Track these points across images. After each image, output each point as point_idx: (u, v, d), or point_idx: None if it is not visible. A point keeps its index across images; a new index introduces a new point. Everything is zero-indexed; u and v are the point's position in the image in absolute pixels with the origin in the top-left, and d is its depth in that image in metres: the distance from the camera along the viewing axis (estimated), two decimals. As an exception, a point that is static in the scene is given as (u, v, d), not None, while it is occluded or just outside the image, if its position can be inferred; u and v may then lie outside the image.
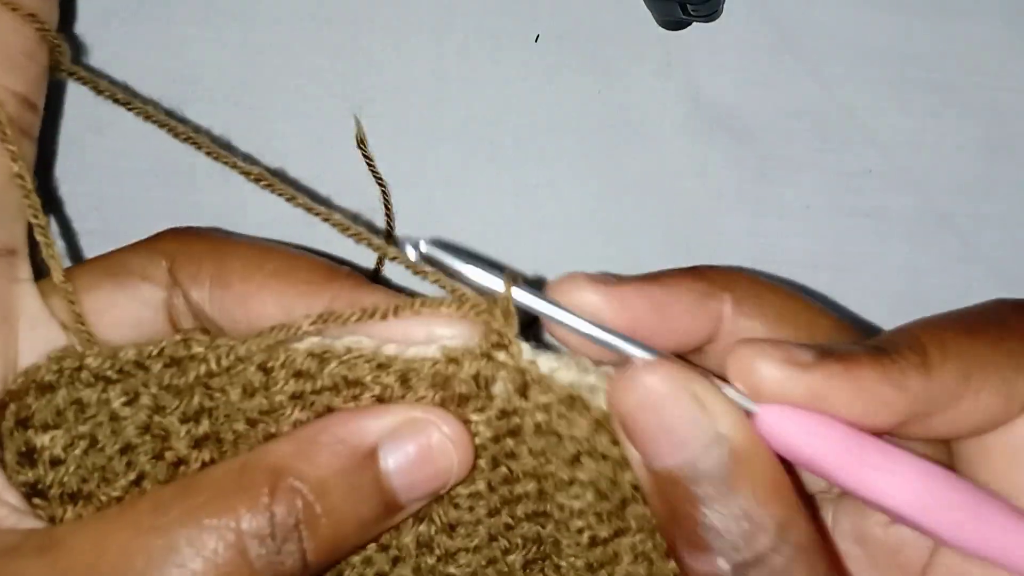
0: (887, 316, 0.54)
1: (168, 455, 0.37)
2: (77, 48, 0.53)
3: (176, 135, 0.39)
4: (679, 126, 0.56)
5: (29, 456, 0.36)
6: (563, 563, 0.39)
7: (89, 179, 0.55)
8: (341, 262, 0.41)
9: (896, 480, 0.33)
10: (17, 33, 0.37)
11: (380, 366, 0.36)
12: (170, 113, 0.40)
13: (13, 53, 0.37)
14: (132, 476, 0.37)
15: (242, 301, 0.39)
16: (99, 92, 0.40)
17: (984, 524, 0.33)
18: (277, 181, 0.39)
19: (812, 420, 0.33)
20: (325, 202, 0.40)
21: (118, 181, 0.55)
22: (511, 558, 0.39)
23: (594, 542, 0.38)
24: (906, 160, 0.56)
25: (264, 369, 0.36)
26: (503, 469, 0.37)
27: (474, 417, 0.36)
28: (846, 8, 0.57)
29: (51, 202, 0.54)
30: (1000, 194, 0.56)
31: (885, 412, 0.33)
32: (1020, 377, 0.34)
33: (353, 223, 0.38)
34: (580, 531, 0.38)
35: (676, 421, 0.33)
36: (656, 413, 0.33)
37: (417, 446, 0.35)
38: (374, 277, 0.53)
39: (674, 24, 0.56)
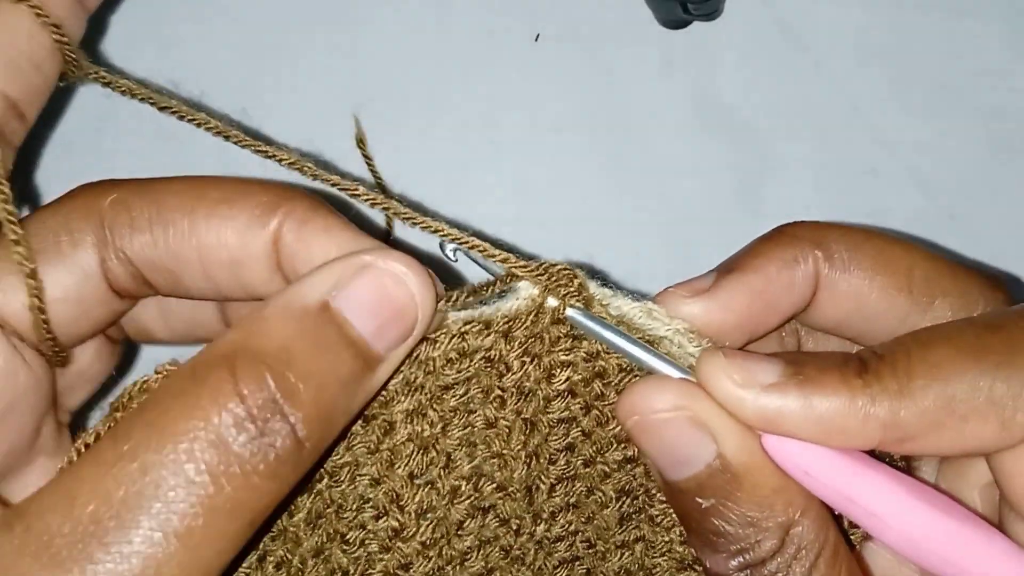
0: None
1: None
2: (95, 55, 0.52)
3: (210, 129, 0.37)
4: (679, 126, 0.56)
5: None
6: (657, 512, 0.40)
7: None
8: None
9: (878, 524, 0.33)
10: (32, 39, 0.36)
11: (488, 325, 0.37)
12: (194, 105, 0.38)
13: (18, 58, 0.35)
14: None
15: (191, 236, 0.36)
16: (132, 95, 0.37)
17: (967, 556, 0.33)
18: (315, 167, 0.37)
19: (809, 446, 0.34)
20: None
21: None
22: (606, 512, 0.40)
23: None
24: (909, 160, 0.56)
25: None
26: (595, 412, 0.39)
27: (563, 358, 0.38)
28: (847, 8, 0.56)
29: (30, 197, 0.52)
30: (1004, 193, 0.56)
31: (843, 438, 0.32)
32: (1019, 404, 0.32)
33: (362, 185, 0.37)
34: None
35: (676, 443, 0.34)
36: (657, 434, 0.34)
37: (369, 287, 0.34)
38: (386, 238, 0.53)
39: (675, 23, 0.56)
